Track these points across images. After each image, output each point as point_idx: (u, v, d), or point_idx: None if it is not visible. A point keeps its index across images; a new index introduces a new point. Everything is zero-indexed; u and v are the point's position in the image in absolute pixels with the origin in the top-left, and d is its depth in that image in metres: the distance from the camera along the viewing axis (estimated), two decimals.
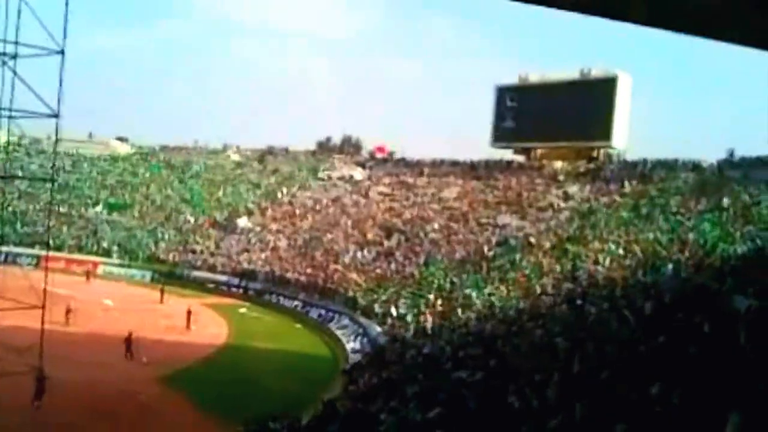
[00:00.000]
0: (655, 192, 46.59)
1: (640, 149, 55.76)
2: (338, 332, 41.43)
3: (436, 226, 54.25)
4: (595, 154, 57.45)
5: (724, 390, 11.62)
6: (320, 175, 72.78)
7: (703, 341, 15.35)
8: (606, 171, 54.33)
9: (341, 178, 70.96)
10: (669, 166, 51.07)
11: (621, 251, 36.96)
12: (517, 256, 42.22)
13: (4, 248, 56.34)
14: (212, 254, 60.25)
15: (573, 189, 52.86)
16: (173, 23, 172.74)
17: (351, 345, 37.82)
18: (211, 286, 55.36)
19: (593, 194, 50.82)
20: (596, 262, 36.01)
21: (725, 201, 40.44)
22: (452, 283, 40.59)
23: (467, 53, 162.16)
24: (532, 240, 44.60)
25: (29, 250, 58.73)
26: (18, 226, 63.52)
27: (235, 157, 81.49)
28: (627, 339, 18.53)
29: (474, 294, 37.47)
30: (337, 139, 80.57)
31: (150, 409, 26.17)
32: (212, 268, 57.85)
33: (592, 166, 56.00)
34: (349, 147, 78.56)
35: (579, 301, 26.87)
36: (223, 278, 56.02)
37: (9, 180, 45.06)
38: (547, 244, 42.74)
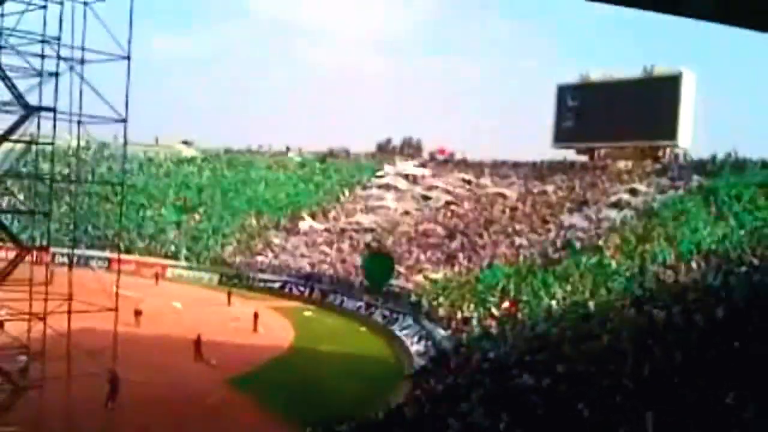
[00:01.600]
0: (724, 189, 45.58)
1: (705, 149, 54.43)
2: (402, 334, 41.48)
3: (498, 227, 54.01)
4: (660, 153, 56.44)
5: None
6: (381, 176, 72.92)
7: None
8: (673, 170, 53.33)
9: (403, 179, 70.98)
10: (737, 165, 49.96)
11: (690, 251, 36.18)
12: (583, 258, 41.71)
13: (76, 251, 57.95)
14: (276, 256, 60.89)
15: (640, 187, 51.99)
16: (232, 26, 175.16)
17: (415, 348, 37.81)
18: (277, 288, 55.95)
19: (660, 193, 49.92)
20: (664, 264, 35.31)
21: None
22: (516, 285, 40.27)
23: (526, 52, 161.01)
24: (599, 241, 44.01)
25: (100, 253, 60.30)
26: (89, 228, 65.20)
27: (297, 159, 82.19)
28: (698, 344, 18.24)
29: (539, 297, 37.12)
30: (397, 141, 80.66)
31: (219, 411, 26.60)
32: (277, 271, 58.46)
33: (658, 165, 55.03)
34: (410, 148, 78.59)
35: (647, 306, 26.46)
36: (288, 281, 56.54)
37: (79, 183, 46.22)
38: (614, 245, 42.12)
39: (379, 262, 41.95)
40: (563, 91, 61.59)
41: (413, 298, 45.33)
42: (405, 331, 41.56)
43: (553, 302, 35.19)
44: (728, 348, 16.60)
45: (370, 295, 47.83)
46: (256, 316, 41.75)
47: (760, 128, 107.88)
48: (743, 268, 29.25)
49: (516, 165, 65.60)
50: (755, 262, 29.64)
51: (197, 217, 71.34)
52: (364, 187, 71.83)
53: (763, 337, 16.27)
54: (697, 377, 15.11)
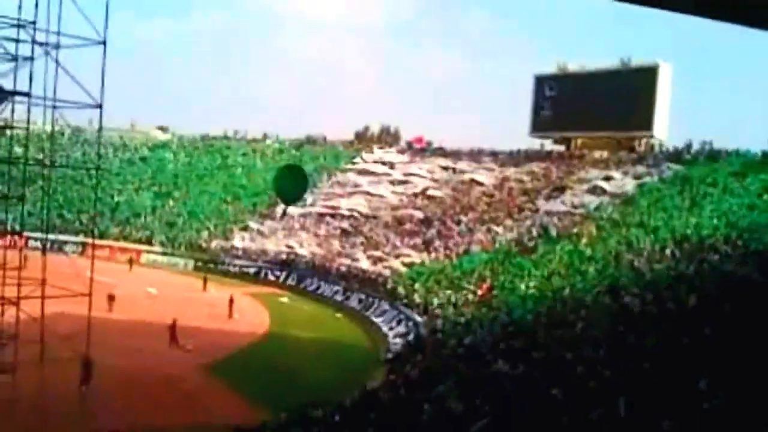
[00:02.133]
0: (699, 177, 46.09)
1: (680, 140, 54.77)
2: (378, 319, 41.58)
3: (475, 214, 54.25)
4: (635, 143, 56.86)
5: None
6: (359, 163, 72.89)
7: (748, 335, 15.21)
8: (649, 159, 53.77)
9: (380, 166, 71.02)
10: (712, 155, 50.49)
11: (665, 239, 36.48)
12: (558, 245, 41.98)
13: (50, 236, 57.45)
14: (253, 242, 60.74)
15: (616, 175, 52.42)
16: (210, 12, 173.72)
17: (391, 333, 37.93)
18: (253, 274, 55.88)
19: (636, 181, 50.35)
20: (639, 252, 35.56)
21: None
22: (492, 271, 40.45)
23: (504, 42, 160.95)
24: (575, 228, 44.33)
25: (74, 238, 59.84)
26: (63, 213, 64.65)
27: (275, 146, 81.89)
28: (670, 332, 18.42)
29: (515, 283, 37.30)
30: (375, 129, 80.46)
31: (193, 396, 26.57)
32: (253, 256, 58.35)
33: (633, 155, 55.45)
34: (387, 137, 78.45)
35: (621, 293, 26.68)
36: (265, 267, 56.45)
37: (53, 168, 45.83)
38: (589, 232, 42.44)
39: (291, 175, 39.86)
40: (541, 82, 61.79)
41: (389, 284, 45.45)
42: (381, 317, 41.66)
43: (529, 289, 35.39)
44: (699, 335, 16.79)
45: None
46: (231, 301, 41.67)
47: (733, 121, 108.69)
48: (716, 256, 29.58)
49: (493, 154, 65.74)
50: (728, 250, 29.94)
51: (172, 202, 70.94)
52: (341, 174, 71.74)
53: (734, 325, 16.49)
54: (669, 364, 15.28)
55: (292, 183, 38.06)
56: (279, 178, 40.59)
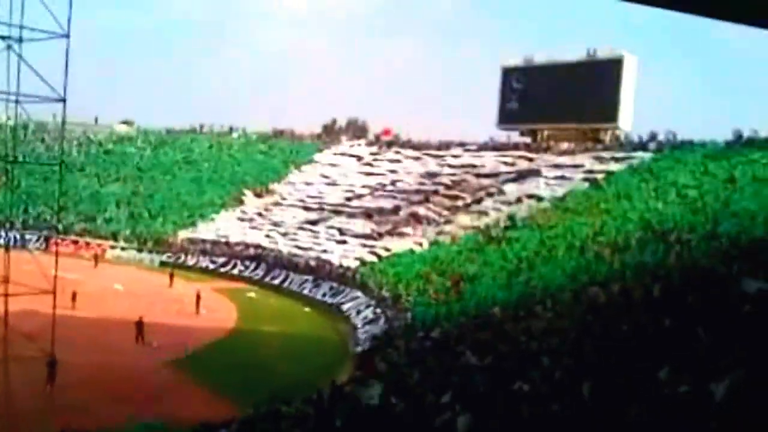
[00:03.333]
0: (665, 167, 46.74)
1: (645, 131, 55.42)
2: (347, 312, 41.56)
3: (443, 204, 54.52)
4: (601, 135, 57.37)
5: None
6: (326, 156, 72.84)
7: (710, 325, 15.42)
8: (614, 150, 54.32)
9: (347, 158, 71.13)
10: (677, 145, 51.19)
11: (631, 228, 36.84)
12: (525, 234, 42.27)
13: (13, 232, 56.68)
14: (219, 235, 60.36)
15: (582, 164, 53.00)
16: (175, 6, 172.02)
17: (361, 325, 37.94)
18: (220, 268, 55.54)
19: (601, 171, 50.89)
20: (606, 241, 35.86)
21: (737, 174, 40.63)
22: (460, 262, 40.60)
23: (471, 35, 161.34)
24: (541, 217, 44.71)
25: (38, 234, 59.06)
26: (26, 209, 63.76)
27: (241, 140, 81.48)
28: (635, 321, 18.62)
29: (482, 273, 37.47)
30: (342, 122, 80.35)
31: (161, 393, 26.37)
32: (220, 250, 57.99)
33: (599, 146, 55.96)
34: (355, 130, 78.35)
35: (587, 283, 26.95)
36: (232, 261, 56.13)
37: (16, 163, 45.17)
38: (555, 221, 42.81)
39: None
40: (508, 73, 62.10)
41: (358, 276, 45.49)
42: (350, 310, 41.65)
43: (497, 279, 35.61)
44: (662, 325, 16.99)
45: None
46: (198, 297, 41.39)
47: (697, 112, 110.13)
48: (680, 246, 29.96)
49: (461, 145, 65.98)
50: (692, 239, 30.35)
51: (138, 197, 70.30)
52: (309, 166, 71.62)
53: (696, 314, 16.68)
54: (633, 353, 15.42)
55: None
56: None
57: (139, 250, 60.78)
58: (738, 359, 12.21)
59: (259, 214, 63.48)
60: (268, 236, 58.49)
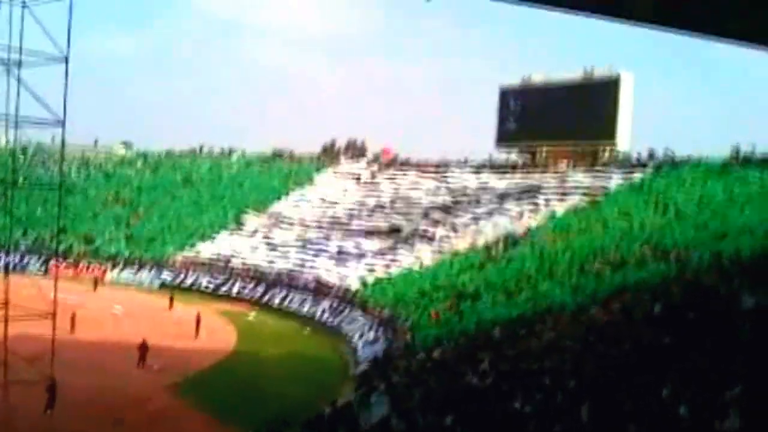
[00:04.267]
0: (663, 185, 46.89)
1: (643, 149, 55.60)
2: (347, 333, 41.45)
3: (443, 223, 54.59)
4: (599, 154, 57.47)
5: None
6: (326, 176, 72.95)
7: (710, 342, 15.41)
8: (612, 168, 54.42)
9: (347, 178, 71.29)
10: (675, 163, 51.32)
11: (629, 246, 36.85)
12: (526, 253, 42.27)
13: (12, 256, 56.62)
14: (219, 257, 60.28)
15: (580, 183, 53.16)
16: (174, 26, 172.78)
17: (361, 347, 37.83)
18: (220, 290, 55.41)
19: (601, 189, 51.04)
20: (606, 260, 35.85)
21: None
22: (461, 281, 40.55)
23: (469, 54, 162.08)
24: (540, 236, 44.75)
25: (37, 257, 59.01)
26: (26, 232, 63.69)
27: (241, 161, 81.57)
28: (637, 341, 18.60)
29: (482, 293, 37.41)
30: (342, 143, 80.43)
31: (161, 416, 26.27)
32: (221, 271, 57.91)
33: (597, 165, 56.06)
34: (354, 150, 78.41)
35: (587, 303, 26.95)
36: (231, 281, 56.02)
37: (16, 186, 45.17)
38: (555, 240, 42.85)
39: None
40: (506, 94, 62.36)
41: (358, 296, 45.46)
42: (350, 331, 41.55)
43: (496, 298, 35.60)
44: (663, 344, 16.98)
45: None
46: (198, 320, 41.25)
47: (695, 130, 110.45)
48: (679, 263, 29.99)
49: (460, 165, 66.09)
50: (691, 256, 30.37)
51: (137, 219, 70.29)
52: (308, 186, 71.69)
53: (697, 333, 16.69)
54: (634, 373, 15.40)
55: None
56: None
57: (139, 273, 60.64)
58: (738, 376, 12.20)
59: (259, 235, 63.41)
60: (267, 256, 58.43)
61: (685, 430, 11.60)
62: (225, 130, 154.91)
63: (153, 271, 60.34)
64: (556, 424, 13.47)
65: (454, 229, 53.29)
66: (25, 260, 56.86)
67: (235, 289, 55.07)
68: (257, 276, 55.40)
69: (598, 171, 54.56)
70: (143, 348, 32.78)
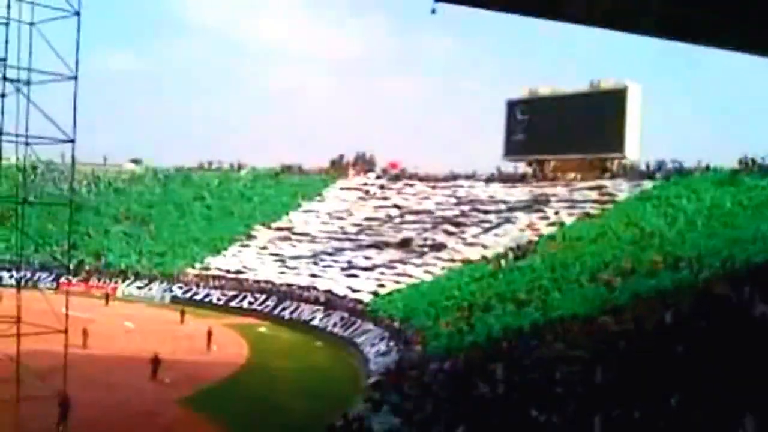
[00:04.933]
0: (672, 195, 46.93)
1: (653, 159, 55.66)
2: (359, 345, 41.43)
3: (452, 235, 54.70)
4: (608, 165, 57.51)
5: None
6: (335, 190, 73.19)
7: (722, 351, 15.39)
8: (621, 179, 54.46)
9: (355, 192, 71.54)
10: (684, 172, 51.41)
11: (639, 256, 36.83)
12: (536, 263, 42.28)
13: (24, 272, 56.82)
14: (230, 271, 60.42)
15: (589, 194, 53.24)
16: (183, 44, 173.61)
17: (373, 358, 37.79)
18: (231, 304, 55.51)
19: (610, 199, 51.13)
20: (616, 269, 35.82)
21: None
22: (472, 294, 40.56)
23: (475, 67, 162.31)
24: (549, 246, 44.81)
25: (48, 273, 59.25)
26: (37, 248, 63.99)
27: (250, 176, 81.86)
28: (648, 350, 18.59)
29: (492, 304, 37.40)
30: (350, 157, 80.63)
31: (173, 430, 26.29)
32: (232, 286, 57.99)
33: (606, 175, 56.09)
34: (363, 164, 78.66)
35: (598, 313, 26.92)
36: (242, 294, 56.14)
37: (27, 204, 45.43)
38: (563, 250, 42.90)
39: None
40: (513, 106, 62.48)
41: (368, 308, 45.49)
42: (362, 343, 41.53)
43: (506, 308, 35.61)
44: (673, 353, 16.96)
45: None
46: (209, 333, 41.32)
47: (703, 139, 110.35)
48: (690, 272, 29.95)
49: (468, 178, 66.23)
50: (702, 265, 30.33)
51: (147, 234, 70.55)
52: (318, 200, 71.92)
53: (707, 342, 16.66)
54: (645, 382, 15.39)
55: None
56: None
57: (150, 288, 60.83)
58: (750, 385, 12.19)
59: (269, 248, 63.58)
60: (278, 270, 58.52)
61: None
62: (233, 147, 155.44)
63: (164, 286, 60.53)
64: None
65: (464, 241, 53.40)
66: (36, 276, 57.03)
67: (246, 303, 55.14)
68: (268, 289, 55.47)
69: (606, 181, 54.63)
70: (155, 362, 32.85)
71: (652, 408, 12.96)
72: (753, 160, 47.41)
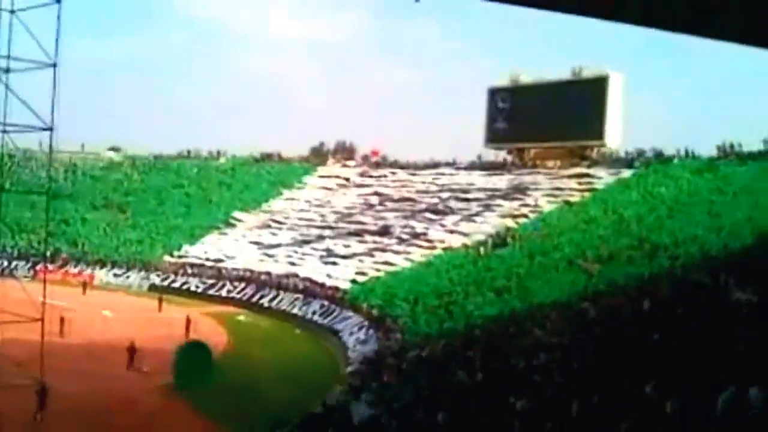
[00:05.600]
0: (651, 182, 47.24)
1: (633, 147, 55.96)
2: (338, 332, 41.43)
3: (432, 223, 54.76)
4: (588, 153, 57.73)
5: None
6: (315, 177, 73.05)
7: (699, 338, 15.49)
8: (601, 166, 54.72)
9: (336, 179, 71.45)
10: (663, 161, 51.73)
11: (619, 243, 37.01)
12: (516, 250, 42.40)
13: (0, 260, 56.37)
14: (208, 259, 60.19)
15: (569, 182, 53.45)
16: (160, 32, 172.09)
17: (352, 345, 37.81)
18: (209, 292, 55.28)
19: (588, 187, 51.36)
20: (596, 256, 36.00)
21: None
22: (452, 281, 40.63)
23: (456, 55, 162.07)
24: (530, 234, 44.97)
25: (25, 262, 58.76)
26: (14, 237, 63.44)
27: (229, 164, 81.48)
28: (625, 337, 18.68)
29: (472, 292, 37.50)
30: (330, 145, 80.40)
31: (152, 419, 26.17)
32: (210, 274, 57.78)
33: (586, 163, 56.33)
34: (343, 152, 78.49)
35: (576, 299, 27.04)
36: (221, 283, 55.94)
37: (3, 192, 45.00)
38: (544, 237, 43.04)
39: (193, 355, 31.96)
40: (494, 94, 62.52)
41: (347, 296, 45.46)
42: (341, 330, 41.54)
43: (486, 296, 35.71)
44: (651, 340, 17.04)
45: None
46: (188, 321, 41.14)
47: (683, 127, 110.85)
48: (668, 259, 30.15)
49: (449, 164, 66.30)
50: (680, 252, 30.54)
51: (125, 222, 70.10)
52: (297, 188, 71.75)
53: (685, 329, 16.75)
54: (623, 369, 15.46)
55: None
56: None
57: (127, 276, 60.50)
58: (727, 372, 12.24)
59: (248, 236, 63.37)
60: (257, 258, 58.34)
61: (674, 426, 11.65)
62: (213, 134, 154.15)
63: (142, 274, 60.25)
64: (546, 421, 13.50)
65: (444, 228, 53.45)
66: (13, 265, 56.50)
67: (224, 291, 54.97)
68: (247, 277, 55.30)
69: (586, 170, 54.86)
70: (131, 350, 32.72)
71: (630, 394, 13.02)
72: (731, 147, 47.83)
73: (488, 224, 51.10)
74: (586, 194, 50.35)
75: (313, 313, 46.64)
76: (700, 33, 16.20)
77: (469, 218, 53.77)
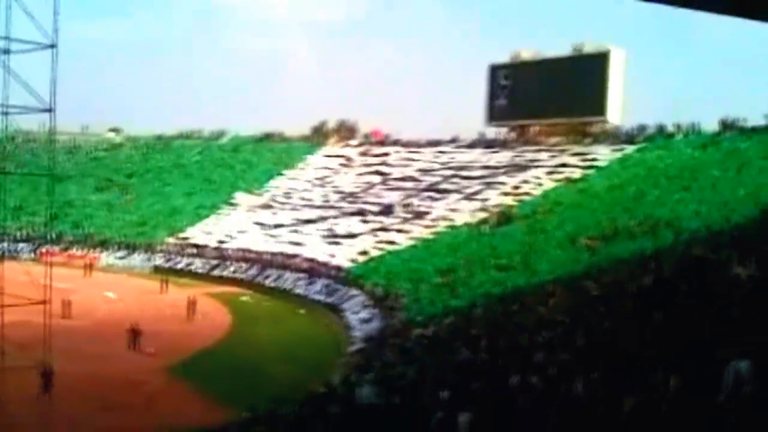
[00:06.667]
0: (654, 158, 47.08)
1: (636, 123, 55.66)
2: (342, 311, 41.44)
3: (435, 201, 54.69)
4: (589, 129, 57.49)
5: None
6: (317, 157, 72.91)
7: (702, 314, 15.47)
8: (603, 143, 54.51)
9: (337, 159, 71.34)
10: (666, 136, 51.54)
11: (621, 219, 36.92)
12: (518, 228, 42.34)
13: (4, 243, 56.34)
14: (212, 240, 60.18)
15: (571, 159, 53.30)
16: (161, 12, 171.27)
17: (356, 324, 37.84)
18: (213, 273, 55.36)
19: (591, 163, 51.19)
20: (597, 234, 35.92)
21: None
22: (455, 259, 40.59)
23: (457, 32, 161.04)
24: (532, 211, 44.93)
25: (29, 244, 58.84)
26: (17, 219, 63.45)
27: (231, 144, 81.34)
28: (629, 314, 18.68)
29: (475, 270, 37.50)
30: (332, 124, 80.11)
31: (157, 399, 26.26)
32: (213, 254, 57.81)
33: (588, 140, 56.11)
34: (345, 131, 78.25)
35: (579, 277, 27.03)
36: (225, 263, 56.00)
37: (6, 174, 44.97)
38: (546, 215, 43.00)
39: None
40: (495, 71, 62.15)
41: (351, 275, 45.47)
42: (345, 309, 41.55)
43: (489, 274, 35.71)
44: (654, 316, 17.02)
45: None
46: (191, 302, 41.23)
47: (686, 102, 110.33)
48: (670, 235, 30.08)
49: (451, 142, 66.12)
50: (682, 228, 30.47)
51: (128, 203, 70.11)
52: (300, 168, 71.64)
53: (687, 306, 16.73)
54: (626, 345, 15.46)
55: None
56: None
57: (131, 257, 60.56)
58: (730, 347, 12.21)
59: (251, 216, 63.35)
60: (260, 238, 58.34)
61: (678, 402, 11.64)
62: (214, 115, 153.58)
63: (145, 255, 60.29)
64: (550, 397, 13.51)
65: (447, 206, 53.39)
66: (17, 247, 56.60)
67: (228, 272, 55.06)
68: (250, 257, 55.33)
69: (588, 146, 54.69)
70: (134, 332, 32.83)
71: (634, 370, 13.01)
72: (734, 122, 47.61)
73: (491, 202, 50.99)
74: (589, 171, 50.15)
75: (317, 292, 46.66)
76: (700, 7, 16.08)
77: (472, 196, 53.64)
